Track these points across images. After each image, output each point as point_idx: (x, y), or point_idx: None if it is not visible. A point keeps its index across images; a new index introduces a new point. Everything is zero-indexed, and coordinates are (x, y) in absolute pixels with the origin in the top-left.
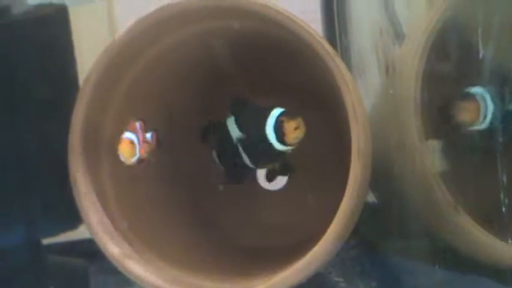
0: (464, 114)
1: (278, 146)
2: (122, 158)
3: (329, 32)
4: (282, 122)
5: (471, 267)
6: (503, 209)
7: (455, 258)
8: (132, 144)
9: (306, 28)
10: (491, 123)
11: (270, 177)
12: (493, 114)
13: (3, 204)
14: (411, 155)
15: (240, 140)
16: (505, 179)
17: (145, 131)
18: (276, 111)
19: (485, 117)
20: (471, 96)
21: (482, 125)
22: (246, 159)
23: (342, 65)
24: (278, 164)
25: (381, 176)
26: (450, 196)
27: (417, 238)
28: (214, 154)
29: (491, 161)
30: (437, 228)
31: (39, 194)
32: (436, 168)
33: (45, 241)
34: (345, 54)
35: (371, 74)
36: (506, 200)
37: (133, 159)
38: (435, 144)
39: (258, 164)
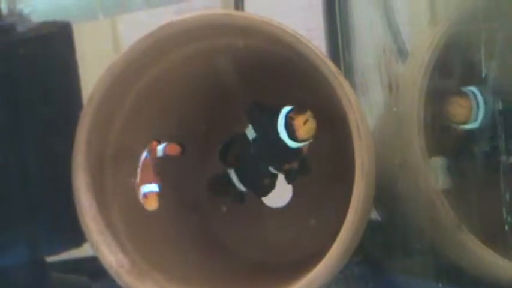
0: (456, 108)
1: (291, 144)
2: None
3: (332, 50)
4: (291, 118)
5: (475, 286)
6: (507, 227)
7: (459, 276)
8: (157, 195)
9: (310, 47)
10: (482, 121)
11: (289, 179)
12: (485, 113)
13: (7, 222)
14: (414, 172)
15: (256, 143)
16: (508, 197)
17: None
18: (285, 109)
19: (477, 115)
20: (464, 94)
21: (475, 124)
22: (267, 164)
23: (345, 83)
24: (297, 163)
25: (384, 193)
26: (454, 214)
27: (421, 256)
28: (232, 173)
29: (494, 179)
30: (441, 246)
31: (43, 211)
32: (439, 186)
33: (49, 259)
34: (348, 72)
35: (374, 91)
36: (510, 218)
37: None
38: (439, 162)
39: (280, 167)
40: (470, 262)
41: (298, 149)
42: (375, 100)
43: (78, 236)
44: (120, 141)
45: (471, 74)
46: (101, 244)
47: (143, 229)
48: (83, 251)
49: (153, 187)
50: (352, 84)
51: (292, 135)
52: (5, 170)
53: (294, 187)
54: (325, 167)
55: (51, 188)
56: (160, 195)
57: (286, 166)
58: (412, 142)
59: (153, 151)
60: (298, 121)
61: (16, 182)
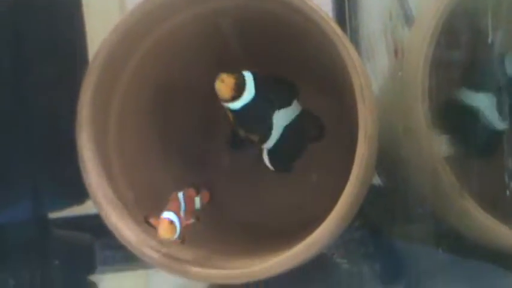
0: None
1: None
2: (162, 238)
3: (339, 14)
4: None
5: (475, 252)
6: (508, 193)
7: (459, 243)
8: (172, 224)
9: (316, 9)
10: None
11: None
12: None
13: (10, 179)
14: (417, 139)
15: None
16: (510, 163)
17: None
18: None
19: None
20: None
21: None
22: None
23: (350, 47)
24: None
25: (387, 159)
26: (455, 180)
27: (422, 221)
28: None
29: (497, 146)
30: (441, 212)
31: (46, 168)
32: (441, 153)
33: (52, 215)
34: (354, 37)
35: (380, 56)
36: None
37: (174, 238)
38: (442, 129)
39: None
40: (470, 228)
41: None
42: (380, 65)
43: (80, 193)
44: (125, 98)
45: (477, 40)
46: (104, 201)
47: (146, 188)
48: (86, 208)
49: (170, 215)
50: (358, 49)
51: None
52: (8, 125)
53: None
54: (329, 131)
55: (54, 144)
56: (165, 154)
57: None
58: (416, 108)
59: (189, 201)
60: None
61: (20, 138)
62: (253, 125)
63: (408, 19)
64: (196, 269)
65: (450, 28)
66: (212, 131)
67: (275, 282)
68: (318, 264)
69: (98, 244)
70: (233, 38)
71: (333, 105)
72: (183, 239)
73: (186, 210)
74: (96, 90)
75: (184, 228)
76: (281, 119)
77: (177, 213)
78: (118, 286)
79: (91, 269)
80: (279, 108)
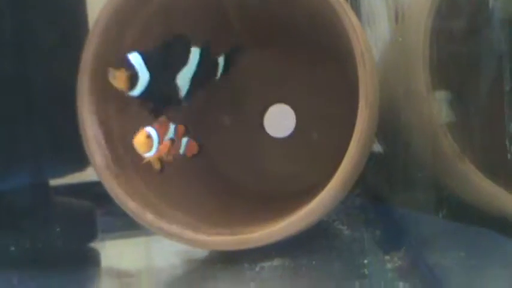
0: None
1: None
2: (136, 148)
3: None
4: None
5: (476, 218)
6: (510, 156)
7: (459, 209)
8: (149, 138)
9: None
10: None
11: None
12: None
13: (11, 146)
14: (418, 104)
15: None
16: (511, 127)
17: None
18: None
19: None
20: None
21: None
22: None
23: (351, 13)
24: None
25: (387, 125)
26: (455, 144)
27: (422, 188)
28: None
29: (498, 112)
30: (442, 178)
31: (47, 135)
32: (442, 119)
33: (53, 182)
34: (355, 3)
35: (380, 22)
36: None
37: (148, 154)
38: (442, 95)
39: None
40: (471, 194)
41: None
42: (381, 31)
43: (81, 160)
44: None
45: (479, 6)
46: (104, 168)
47: None
48: (86, 175)
49: (150, 129)
50: (358, 15)
51: None
52: (9, 92)
53: (297, 119)
54: (329, 98)
55: (55, 111)
56: None
57: None
58: (417, 74)
59: (178, 137)
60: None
61: (21, 104)
62: (161, 98)
63: None
64: (197, 235)
65: None
66: (212, 92)
67: (275, 250)
68: (319, 232)
69: (98, 211)
70: (232, 7)
71: (334, 72)
72: (161, 167)
73: (171, 140)
74: (96, 57)
75: (162, 152)
76: (184, 75)
77: (159, 134)
78: (119, 253)
79: (92, 236)
80: (178, 71)
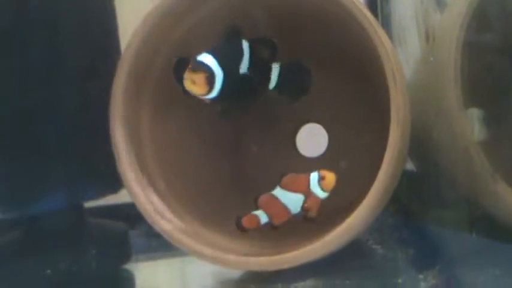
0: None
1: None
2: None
3: (370, 0)
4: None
5: (508, 236)
6: None
7: (493, 227)
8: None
9: None
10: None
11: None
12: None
13: (46, 168)
14: (450, 123)
15: None
16: None
17: None
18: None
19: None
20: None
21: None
22: None
23: (382, 33)
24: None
25: (419, 144)
26: (488, 163)
27: (455, 206)
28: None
29: None
30: (475, 196)
31: (81, 157)
32: (475, 137)
33: (87, 205)
34: (386, 22)
35: (411, 41)
36: None
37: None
38: (475, 113)
39: None
40: (503, 212)
41: None
42: (412, 50)
43: (115, 182)
44: (157, 87)
45: (511, 21)
46: (138, 190)
47: (180, 177)
48: (120, 197)
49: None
50: (389, 35)
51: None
52: (43, 115)
53: (329, 138)
54: (360, 118)
55: (88, 134)
56: (197, 140)
57: None
58: (448, 92)
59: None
60: (186, 75)
61: (54, 128)
62: (236, 93)
63: (439, 3)
64: (232, 257)
65: (482, 12)
66: (244, 116)
67: (309, 270)
68: (353, 251)
69: (133, 233)
70: (263, 26)
71: (366, 91)
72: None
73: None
74: (128, 80)
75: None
76: (244, 68)
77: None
78: (153, 274)
79: (126, 257)
80: (239, 64)
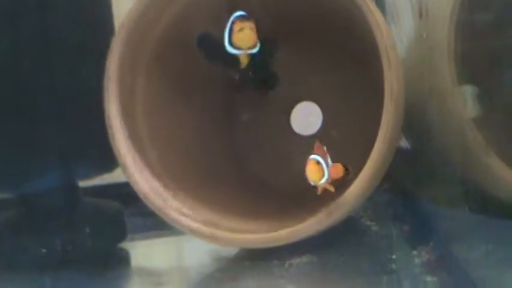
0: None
1: (229, 48)
2: (310, 179)
3: None
4: (233, 23)
5: (502, 211)
6: None
7: (487, 202)
8: (319, 164)
9: None
10: None
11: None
12: None
13: (40, 148)
14: (444, 98)
15: None
16: None
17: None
18: (235, 14)
19: None
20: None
21: None
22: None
23: (375, 10)
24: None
25: (413, 121)
26: (481, 138)
27: (449, 182)
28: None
29: None
30: (468, 171)
31: (76, 137)
32: (468, 113)
33: (82, 184)
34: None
35: (404, 18)
36: None
37: (322, 181)
38: (468, 89)
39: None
40: (497, 187)
41: (234, 56)
42: (405, 27)
43: (110, 161)
44: (151, 65)
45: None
46: (133, 169)
47: (174, 154)
48: (115, 176)
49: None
50: (383, 12)
51: (230, 40)
52: (36, 93)
53: (324, 116)
54: (354, 95)
55: (83, 113)
56: (192, 120)
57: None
58: (442, 68)
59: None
60: (236, 27)
61: (49, 107)
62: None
63: None
64: (225, 234)
65: None
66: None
67: (304, 247)
68: (347, 228)
69: (127, 212)
70: (255, 4)
71: (359, 69)
72: (334, 185)
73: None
74: (122, 58)
75: (334, 176)
76: None
77: (325, 159)
78: (149, 253)
79: (121, 236)
80: None
